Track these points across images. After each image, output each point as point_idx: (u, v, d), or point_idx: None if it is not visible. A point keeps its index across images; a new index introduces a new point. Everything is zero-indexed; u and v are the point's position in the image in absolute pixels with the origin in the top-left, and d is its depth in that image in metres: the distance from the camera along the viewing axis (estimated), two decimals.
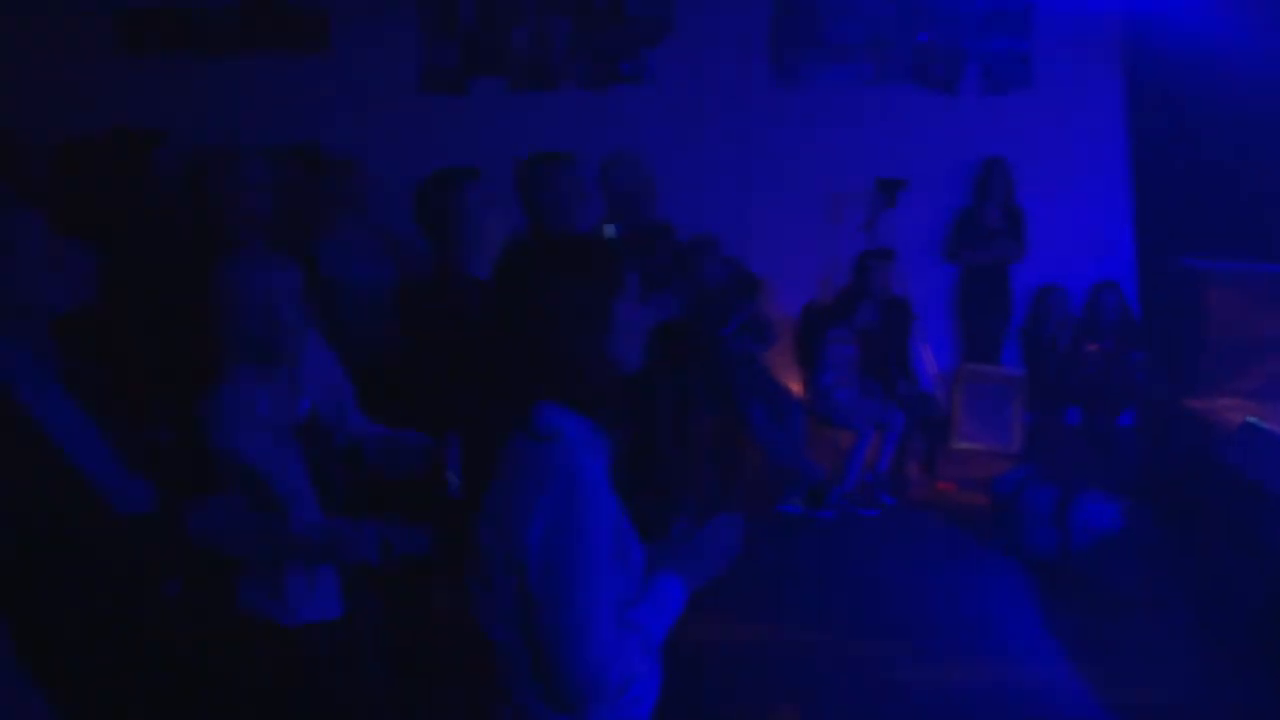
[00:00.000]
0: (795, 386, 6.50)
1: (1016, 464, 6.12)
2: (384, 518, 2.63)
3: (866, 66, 7.14)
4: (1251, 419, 4.97)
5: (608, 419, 1.99)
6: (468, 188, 3.31)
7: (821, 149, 7.07)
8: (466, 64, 7.00)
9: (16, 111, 6.18)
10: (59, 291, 2.39)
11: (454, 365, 2.72)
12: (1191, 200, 6.44)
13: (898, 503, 6.18)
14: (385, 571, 2.72)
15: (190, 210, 3.62)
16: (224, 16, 6.84)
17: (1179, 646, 4.43)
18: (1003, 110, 7.18)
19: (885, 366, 6.43)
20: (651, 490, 3.95)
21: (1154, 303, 6.95)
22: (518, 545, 1.88)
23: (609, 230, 4.47)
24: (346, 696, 2.83)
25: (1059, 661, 4.35)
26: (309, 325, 2.77)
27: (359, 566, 2.70)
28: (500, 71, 7.03)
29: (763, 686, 4.18)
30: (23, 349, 2.33)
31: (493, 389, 1.95)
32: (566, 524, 1.85)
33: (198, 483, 2.52)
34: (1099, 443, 6.75)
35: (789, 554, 5.41)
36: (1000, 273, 7.11)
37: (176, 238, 3.65)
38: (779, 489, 6.03)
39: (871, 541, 5.72)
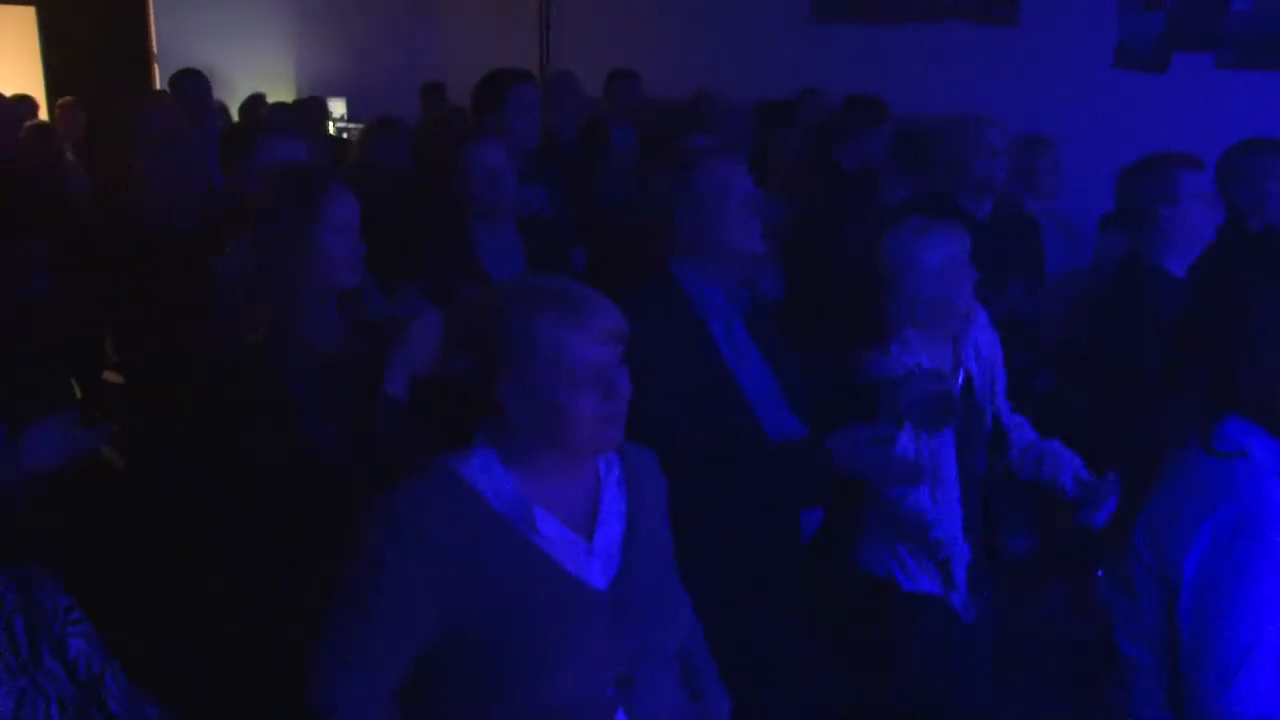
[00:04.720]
0: None
1: None
2: (997, 516, 2.56)
3: None
4: None
5: None
6: (1181, 176, 3.06)
7: None
8: (1170, 37, 6.46)
9: (727, 74, 6.92)
10: (755, 238, 2.55)
11: (1137, 365, 2.55)
12: None
13: None
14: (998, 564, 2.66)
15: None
16: None
17: None
18: None
19: None
20: None
21: None
22: (1173, 563, 1.76)
23: None
24: (947, 673, 2.82)
25: None
26: (976, 299, 2.76)
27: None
28: (1208, 47, 6.38)
29: None
30: (719, 287, 2.53)
31: (1176, 393, 1.82)
32: (1235, 550, 1.69)
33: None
34: None
35: None
36: None
37: (856, 197, 3.85)
38: None
39: None
